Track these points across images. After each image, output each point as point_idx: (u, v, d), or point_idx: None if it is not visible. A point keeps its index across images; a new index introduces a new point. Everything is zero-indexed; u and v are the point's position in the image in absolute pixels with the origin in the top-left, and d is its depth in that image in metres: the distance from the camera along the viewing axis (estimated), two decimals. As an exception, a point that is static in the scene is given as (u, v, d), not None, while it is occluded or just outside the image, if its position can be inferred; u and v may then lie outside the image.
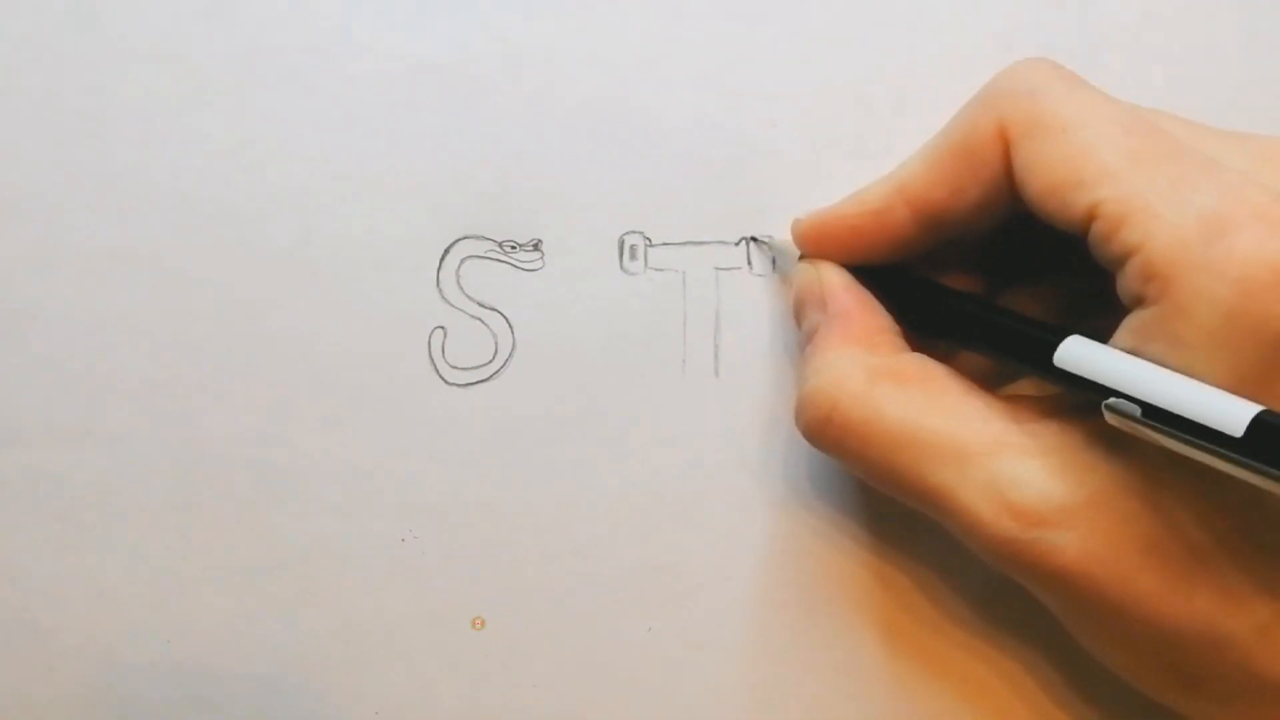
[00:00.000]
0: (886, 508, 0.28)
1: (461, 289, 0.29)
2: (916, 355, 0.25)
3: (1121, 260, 0.21)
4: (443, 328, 0.29)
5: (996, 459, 0.23)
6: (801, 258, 0.28)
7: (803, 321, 0.27)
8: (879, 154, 0.29)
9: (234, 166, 0.29)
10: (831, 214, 0.27)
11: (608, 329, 0.29)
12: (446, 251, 0.29)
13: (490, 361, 0.29)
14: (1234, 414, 0.19)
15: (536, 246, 0.29)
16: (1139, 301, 0.21)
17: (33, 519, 0.29)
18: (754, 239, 0.29)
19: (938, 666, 0.28)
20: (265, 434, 0.29)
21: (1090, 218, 0.22)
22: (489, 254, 0.29)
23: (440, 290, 0.29)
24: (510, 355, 0.29)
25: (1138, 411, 0.20)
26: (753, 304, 0.29)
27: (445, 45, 0.29)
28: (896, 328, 0.26)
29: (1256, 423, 0.19)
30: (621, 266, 0.29)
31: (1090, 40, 0.29)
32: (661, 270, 0.29)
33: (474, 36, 0.29)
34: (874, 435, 0.24)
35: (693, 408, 0.29)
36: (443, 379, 0.29)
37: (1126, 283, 0.21)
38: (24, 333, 0.29)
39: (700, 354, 0.29)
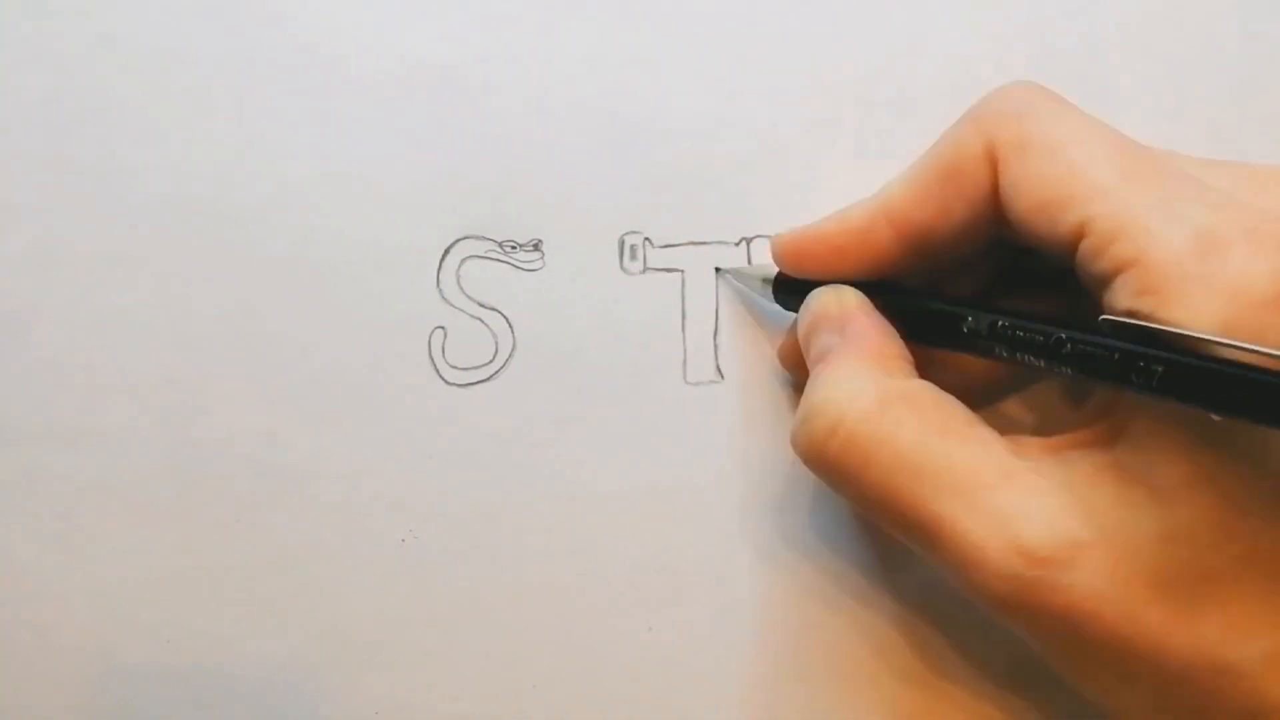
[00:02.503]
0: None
1: (461, 289, 0.29)
2: (929, 385, 0.24)
3: (1112, 276, 0.21)
4: (443, 328, 0.29)
5: (1006, 492, 0.22)
6: (779, 277, 0.27)
7: (813, 346, 0.26)
8: (879, 154, 0.29)
9: (234, 166, 0.29)
10: (813, 232, 0.26)
11: (608, 329, 0.29)
12: (447, 251, 0.29)
13: (490, 361, 0.29)
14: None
15: (536, 246, 0.29)
16: (1132, 317, 0.21)
17: (33, 519, 0.29)
18: (717, 269, 0.29)
19: (931, 673, 0.28)
20: (265, 434, 0.29)
21: (1080, 234, 0.22)
22: (489, 254, 0.29)
23: (440, 290, 0.29)
24: (510, 355, 0.29)
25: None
26: (753, 304, 0.29)
27: (445, 45, 0.29)
28: (910, 357, 0.25)
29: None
30: (621, 266, 0.29)
31: (1091, 40, 0.29)
32: (661, 270, 0.29)
33: (474, 37, 0.29)
34: (878, 456, 0.23)
35: (692, 407, 0.29)
36: (443, 379, 0.29)
37: (1117, 298, 0.21)
38: (24, 333, 0.29)
39: (700, 354, 0.29)
